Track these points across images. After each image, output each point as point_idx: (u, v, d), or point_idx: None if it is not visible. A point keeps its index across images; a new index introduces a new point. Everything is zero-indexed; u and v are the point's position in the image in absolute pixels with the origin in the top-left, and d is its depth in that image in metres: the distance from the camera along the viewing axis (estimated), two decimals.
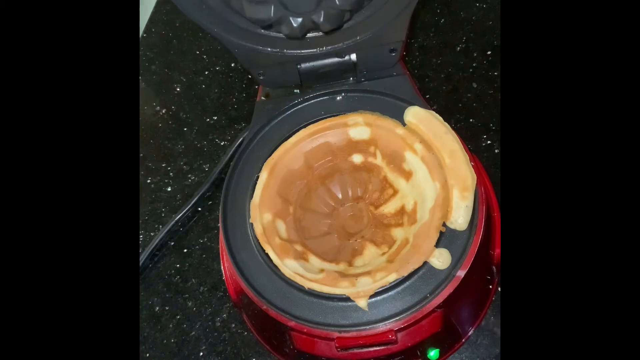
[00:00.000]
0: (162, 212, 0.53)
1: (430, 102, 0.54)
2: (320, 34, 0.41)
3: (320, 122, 0.42)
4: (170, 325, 0.46)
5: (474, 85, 0.55)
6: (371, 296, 0.34)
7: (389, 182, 0.42)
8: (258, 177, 0.41)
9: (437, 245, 0.35)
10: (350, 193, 0.43)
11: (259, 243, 0.38)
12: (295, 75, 0.44)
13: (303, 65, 0.43)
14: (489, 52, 0.57)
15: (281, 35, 0.41)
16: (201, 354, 0.45)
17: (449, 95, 0.55)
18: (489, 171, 0.46)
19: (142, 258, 0.49)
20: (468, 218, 0.36)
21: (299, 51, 0.42)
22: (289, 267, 0.37)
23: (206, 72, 0.63)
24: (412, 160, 0.40)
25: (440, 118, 0.39)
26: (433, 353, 0.37)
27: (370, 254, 0.40)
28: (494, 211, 0.42)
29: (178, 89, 0.62)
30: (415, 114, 0.41)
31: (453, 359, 0.41)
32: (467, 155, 0.38)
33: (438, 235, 0.35)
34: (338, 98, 0.45)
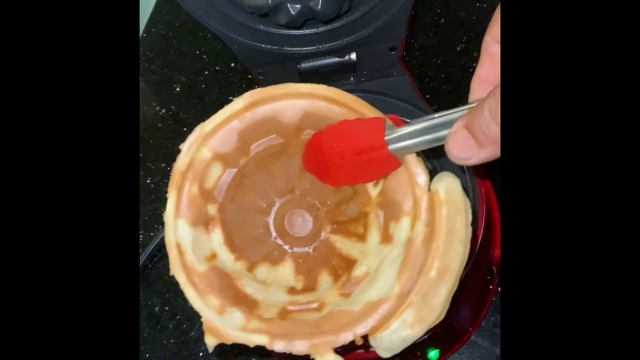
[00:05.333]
0: (162, 212, 0.53)
1: (430, 102, 0.54)
2: (320, 30, 0.41)
3: (261, 90, 0.34)
4: (170, 325, 0.46)
5: None
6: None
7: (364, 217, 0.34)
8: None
9: None
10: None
11: None
12: (295, 75, 0.44)
13: (303, 65, 0.43)
14: None
15: (281, 31, 0.41)
16: (201, 354, 0.45)
17: (449, 95, 0.54)
18: (489, 171, 0.45)
19: (142, 258, 0.49)
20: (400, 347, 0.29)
21: (299, 49, 0.42)
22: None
23: (206, 72, 0.63)
24: (401, 234, 0.30)
25: (470, 215, 0.29)
26: (433, 353, 0.37)
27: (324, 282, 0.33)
28: (494, 211, 0.42)
29: (178, 89, 0.62)
30: (449, 191, 0.28)
31: (453, 359, 0.41)
32: (458, 284, 0.29)
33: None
34: None
